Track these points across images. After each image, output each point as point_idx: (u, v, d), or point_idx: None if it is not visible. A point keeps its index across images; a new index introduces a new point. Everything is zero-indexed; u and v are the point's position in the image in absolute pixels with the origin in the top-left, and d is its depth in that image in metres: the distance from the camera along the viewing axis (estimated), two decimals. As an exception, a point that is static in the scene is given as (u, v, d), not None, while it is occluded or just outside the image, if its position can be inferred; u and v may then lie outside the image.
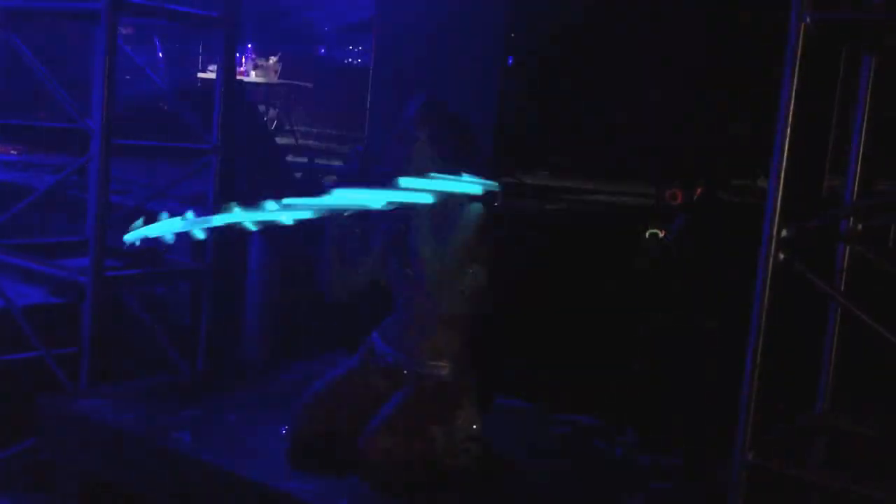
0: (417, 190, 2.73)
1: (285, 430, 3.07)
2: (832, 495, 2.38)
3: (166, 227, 2.60)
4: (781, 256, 2.25)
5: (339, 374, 3.12)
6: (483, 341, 3.16)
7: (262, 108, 9.26)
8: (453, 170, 2.87)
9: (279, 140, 5.51)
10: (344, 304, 3.24)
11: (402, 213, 2.94)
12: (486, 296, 3.09)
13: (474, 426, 3.15)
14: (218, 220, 2.56)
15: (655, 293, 5.15)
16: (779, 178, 2.23)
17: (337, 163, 6.58)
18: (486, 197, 2.97)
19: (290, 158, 5.54)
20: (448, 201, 2.87)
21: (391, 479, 2.81)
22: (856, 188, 2.69)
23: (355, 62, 11.35)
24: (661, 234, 5.28)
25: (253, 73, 10.12)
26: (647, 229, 5.37)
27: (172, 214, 2.65)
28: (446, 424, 2.95)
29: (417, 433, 2.90)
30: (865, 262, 2.73)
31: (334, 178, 5.71)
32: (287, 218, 2.58)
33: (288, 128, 9.57)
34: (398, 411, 2.92)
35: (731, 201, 6.16)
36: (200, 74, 9.29)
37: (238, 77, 4.70)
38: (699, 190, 5.29)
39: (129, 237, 2.64)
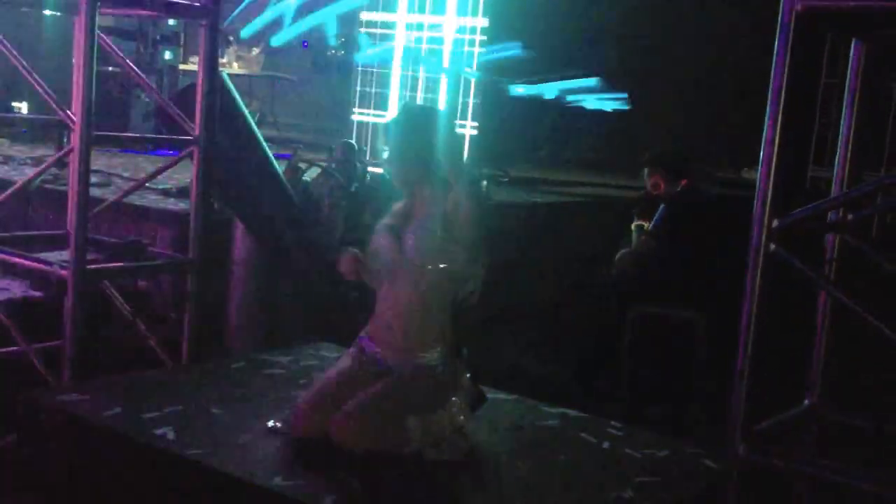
0: None
1: (275, 425, 3.05)
2: (823, 486, 2.37)
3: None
4: (772, 247, 2.23)
5: (335, 372, 3.12)
6: (475, 338, 3.16)
7: (244, 100, 9.20)
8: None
9: (261, 132, 5.49)
10: (329, 296, 3.23)
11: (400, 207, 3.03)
12: (474, 285, 3.09)
13: (460, 418, 3.14)
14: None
15: (639, 283, 5.15)
16: (770, 168, 2.22)
17: (322, 156, 6.53)
18: (473, 183, 2.99)
19: (273, 150, 5.49)
20: (436, 184, 2.94)
21: (360, 463, 2.80)
22: (845, 178, 2.68)
23: (339, 54, 11.27)
24: (646, 226, 5.28)
25: (235, 65, 10.05)
26: (633, 221, 5.37)
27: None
28: (426, 411, 2.94)
29: (391, 419, 2.89)
30: (850, 252, 2.72)
31: (320, 171, 5.67)
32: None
33: (271, 120, 9.52)
34: (376, 395, 2.93)
35: (717, 192, 6.17)
36: (183, 66, 9.21)
37: (220, 68, 4.65)
38: (684, 182, 5.28)
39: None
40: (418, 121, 3.05)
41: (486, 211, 3.19)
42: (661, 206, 5.19)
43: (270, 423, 3.08)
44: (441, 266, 2.99)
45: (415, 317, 3.04)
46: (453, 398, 3.09)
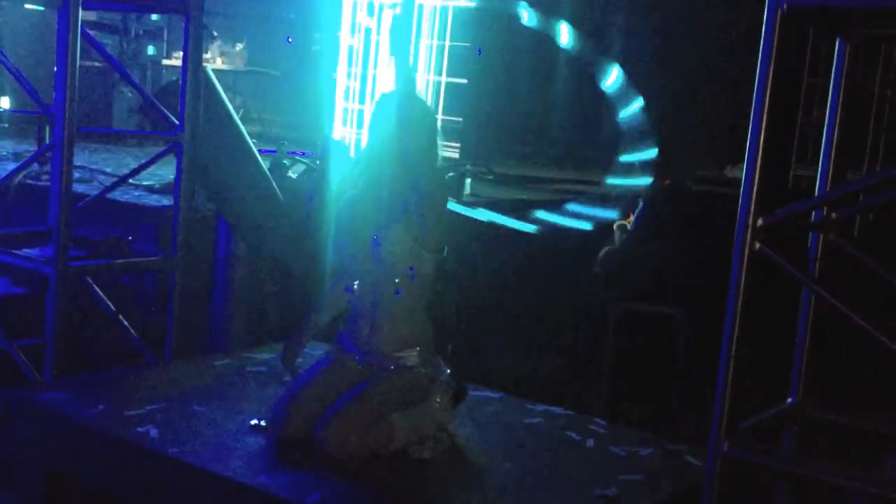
0: None
1: (258, 423, 3.04)
2: (806, 484, 2.38)
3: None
4: (757, 245, 2.23)
5: (317, 370, 3.12)
6: (453, 334, 3.16)
7: (228, 95, 9.15)
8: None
9: (246, 128, 5.46)
10: (313, 295, 3.23)
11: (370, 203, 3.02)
12: (448, 284, 3.10)
13: (444, 416, 3.14)
14: None
15: (621, 281, 5.16)
16: (754, 166, 2.22)
17: (307, 151, 6.51)
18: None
19: (257, 146, 5.47)
20: (404, 181, 2.95)
21: (348, 465, 2.81)
22: (829, 177, 2.69)
23: (322, 50, 11.23)
24: (628, 225, 5.28)
25: (219, 60, 10.00)
26: (616, 220, 5.38)
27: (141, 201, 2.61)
28: (408, 409, 2.96)
29: (376, 419, 2.90)
30: (832, 250, 2.73)
31: (305, 167, 5.65)
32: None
33: (255, 116, 9.48)
34: (357, 397, 2.93)
35: (698, 190, 6.18)
36: (165, 61, 9.16)
37: (204, 64, 4.62)
38: (667, 181, 5.29)
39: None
40: (401, 111, 2.99)
41: (448, 203, 3.17)
42: (640, 204, 5.20)
43: (254, 422, 3.07)
44: (410, 269, 2.99)
45: (389, 318, 3.05)
46: (437, 397, 3.10)
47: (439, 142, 3.03)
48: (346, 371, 3.09)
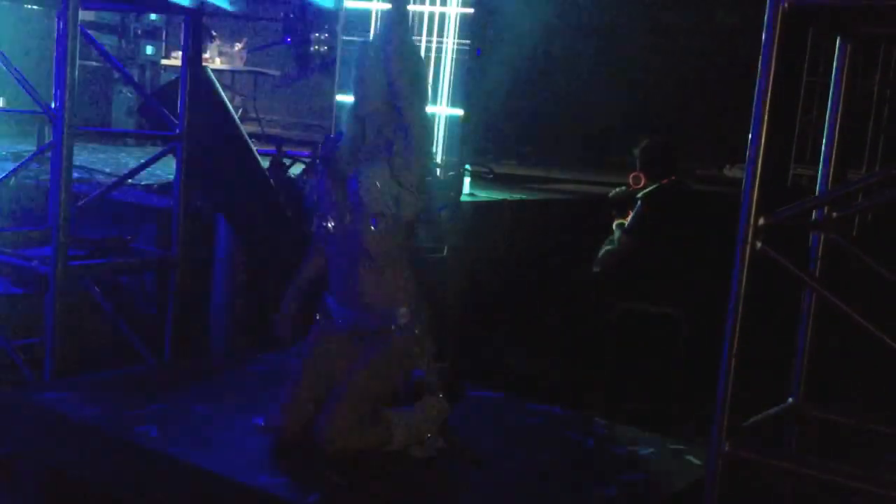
0: None
1: (261, 423, 3.03)
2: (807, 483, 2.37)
3: None
4: (758, 245, 2.23)
5: (306, 360, 3.07)
6: (461, 336, 3.14)
7: (227, 94, 9.15)
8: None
9: (244, 128, 5.45)
10: (312, 294, 3.21)
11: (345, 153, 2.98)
12: (440, 239, 3.03)
13: (442, 416, 3.14)
14: None
15: (620, 280, 5.15)
16: (756, 166, 2.21)
17: (306, 151, 6.51)
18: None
19: (256, 146, 5.46)
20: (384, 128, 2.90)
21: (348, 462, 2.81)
22: (830, 177, 2.68)
23: (322, 49, 11.23)
24: (626, 223, 5.28)
25: (218, 60, 9.99)
26: (615, 219, 5.37)
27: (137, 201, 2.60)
28: (399, 384, 2.95)
29: (372, 404, 2.89)
30: (832, 250, 2.73)
31: (305, 166, 5.64)
32: None
33: (253, 115, 9.46)
34: (348, 391, 2.88)
35: (696, 189, 6.17)
36: (164, 61, 9.15)
37: (203, 64, 4.61)
38: (665, 180, 5.27)
39: None
40: (389, 46, 2.90)
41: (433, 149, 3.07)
42: (638, 203, 5.19)
43: (256, 421, 3.06)
44: (390, 209, 2.89)
45: (372, 267, 2.96)
46: (436, 396, 3.09)
47: (428, 82, 2.97)
48: (333, 352, 3.02)
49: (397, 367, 2.98)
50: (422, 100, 2.96)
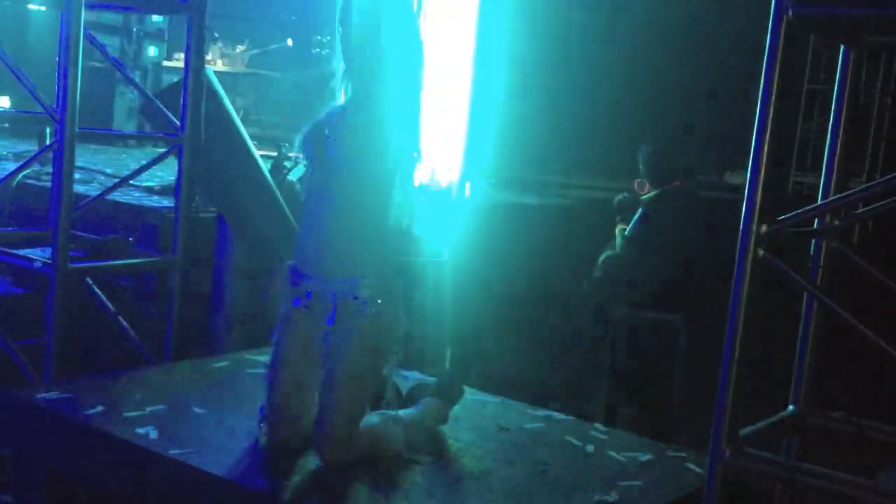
0: None
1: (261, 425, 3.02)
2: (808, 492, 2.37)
3: None
4: (760, 252, 2.23)
5: (277, 355, 2.98)
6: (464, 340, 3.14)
7: (229, 96, 9.15)
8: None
9: (246, 130, 5.45)
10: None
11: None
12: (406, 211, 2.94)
13: (441, 420, 3.14)
14: None
15: (621, 286, 5.16)
16: (758, 172, 2.21)
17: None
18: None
19: (258, 149, 5.46)
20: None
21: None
22: (833, 184, 2.68)
23: (323, 52, 11.24)
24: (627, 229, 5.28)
25: (220, 62, 10.00)
26: (618, 225, 5.38)
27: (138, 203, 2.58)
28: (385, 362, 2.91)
29: (362, 393, 2.85)
30: (834, 257, 2.73)
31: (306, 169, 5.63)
32: None
33: (255, 118, 9.47)
34: (333, 391, 2.80)
35: (700, 196, 6.17)
36: (166, 63, 9.16)
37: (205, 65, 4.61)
38: (675, 182, 5.27)
39: None
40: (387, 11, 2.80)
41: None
42: (640, 209, 5.20)
43: (259, 426, 3.03)
44: (366, 163, 2.79)
45: (342, 227, 2.85)
46: (434, 400, 3.09)
47: (421, 39, 2.86)
48: (301, 337, 2.92)
49: (375, 353, 2.88)
50: (415, 53, 2.83)
